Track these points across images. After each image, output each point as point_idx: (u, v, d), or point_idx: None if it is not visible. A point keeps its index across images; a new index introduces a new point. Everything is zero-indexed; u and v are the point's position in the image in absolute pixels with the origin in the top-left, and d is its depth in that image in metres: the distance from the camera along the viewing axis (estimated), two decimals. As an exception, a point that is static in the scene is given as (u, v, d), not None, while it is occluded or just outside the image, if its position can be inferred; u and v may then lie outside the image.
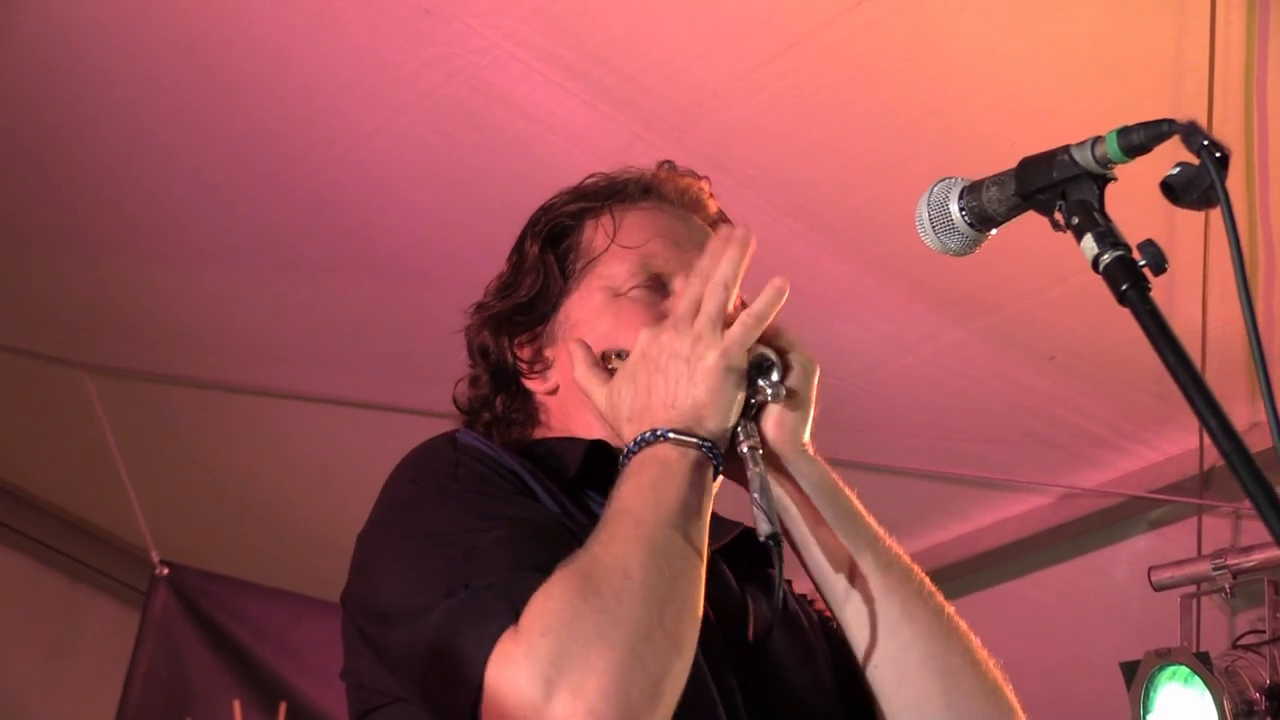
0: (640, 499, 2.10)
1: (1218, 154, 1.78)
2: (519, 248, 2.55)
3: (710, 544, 2.14)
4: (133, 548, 6.30)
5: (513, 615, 1.97)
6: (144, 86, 4.65)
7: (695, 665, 2.04)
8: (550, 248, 2.52)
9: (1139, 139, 1.86)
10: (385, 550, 2.22)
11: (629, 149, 4.51)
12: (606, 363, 2.35)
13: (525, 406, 2.51)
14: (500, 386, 2.52)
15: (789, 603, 2.38)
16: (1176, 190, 1.83)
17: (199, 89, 4.62)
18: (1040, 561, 5.63)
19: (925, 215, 2.06)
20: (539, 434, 2.49)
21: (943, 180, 2.06)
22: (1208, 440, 1.79)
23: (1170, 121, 1.82)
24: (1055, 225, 1.92)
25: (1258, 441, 1.80)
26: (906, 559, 2.31)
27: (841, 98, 4.32)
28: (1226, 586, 4.89)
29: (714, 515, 2.20)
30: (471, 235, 4.88)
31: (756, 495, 2.16)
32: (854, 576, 2.26)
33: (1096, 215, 1.87)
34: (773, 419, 2.28)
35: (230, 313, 5.52)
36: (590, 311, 2.46)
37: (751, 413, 2.26)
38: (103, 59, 4.58)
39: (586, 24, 4.21)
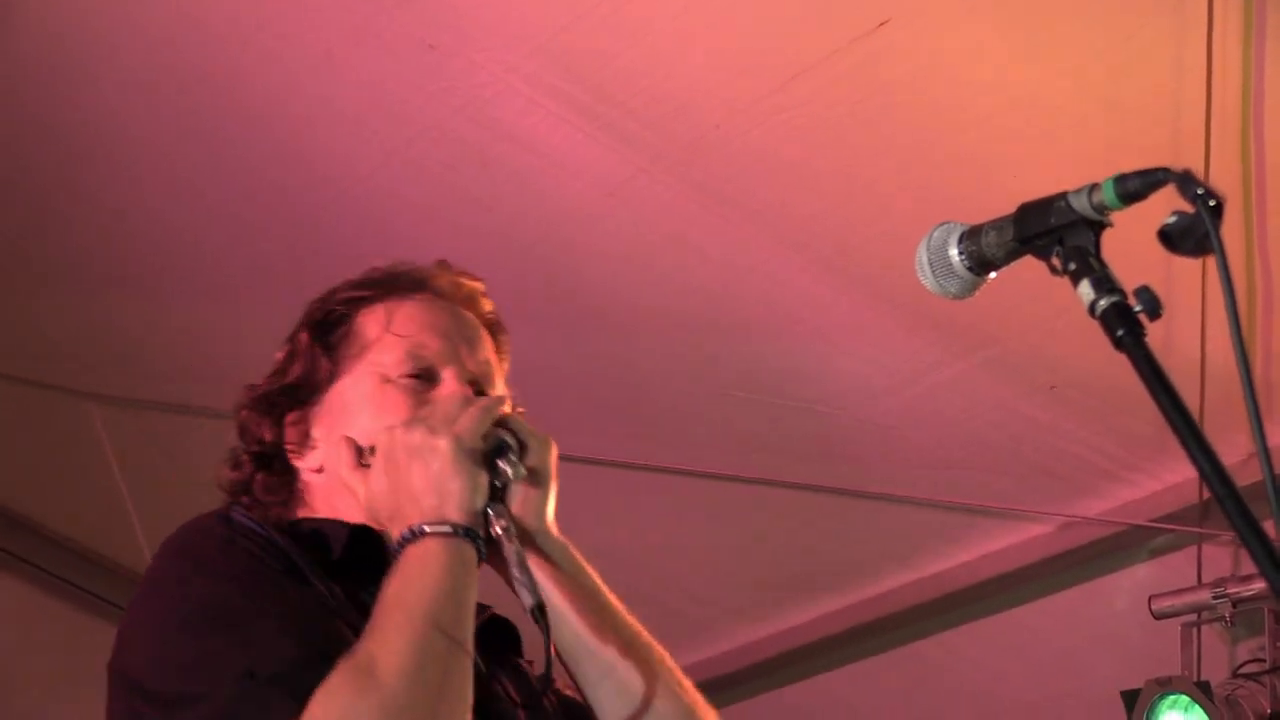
0: (410, 594, 2.17)
1: (1212, 202, 1.81)
2: (292, 336, 2.60)
3: None
4: (137, 576, 6.26)
5: (294, 710, 2.03)
6: (152, 118, 4.68)
7: None
8: (322, 335, 2.56)
9: (1135, 186, 1.88)
10: (163, 628, 2.27)
11: (633, 182, 4.54)
12: (363, 458, 2.40)
13: (288, 486, 2.51)
14: (262, 465, 2.52)
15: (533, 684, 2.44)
16: (1173, 238, 1.86)
17: (206, 123, 4.65)
18: (1040, 590, 5.62)
19: (925, 259, 2.09)
20: (302, 514, 2.49)
21: (942, 225, 2.09)
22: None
23: (1166, 170, 1.85)
24: (1053, 270, 1.95)
25: (1259, 469, 1.83)
26: (647, 636, 2.40)
27: (845, 130, 4.34)
28: (1227, 615, 4.90)
29: None
30: (476, 269, 4.89)
31: (516, 571, 2.24)
32: (602, 652, 2.34)
33: (1093, 261, 1.90)
34: (517, 498, 2.35)
35: (234, 342, 5.52)
36: (360, 396, 2.48)
37: (498, 495, 2.33)
38: (111, 92, 4.62)
39: (591, 59, 4.24)
